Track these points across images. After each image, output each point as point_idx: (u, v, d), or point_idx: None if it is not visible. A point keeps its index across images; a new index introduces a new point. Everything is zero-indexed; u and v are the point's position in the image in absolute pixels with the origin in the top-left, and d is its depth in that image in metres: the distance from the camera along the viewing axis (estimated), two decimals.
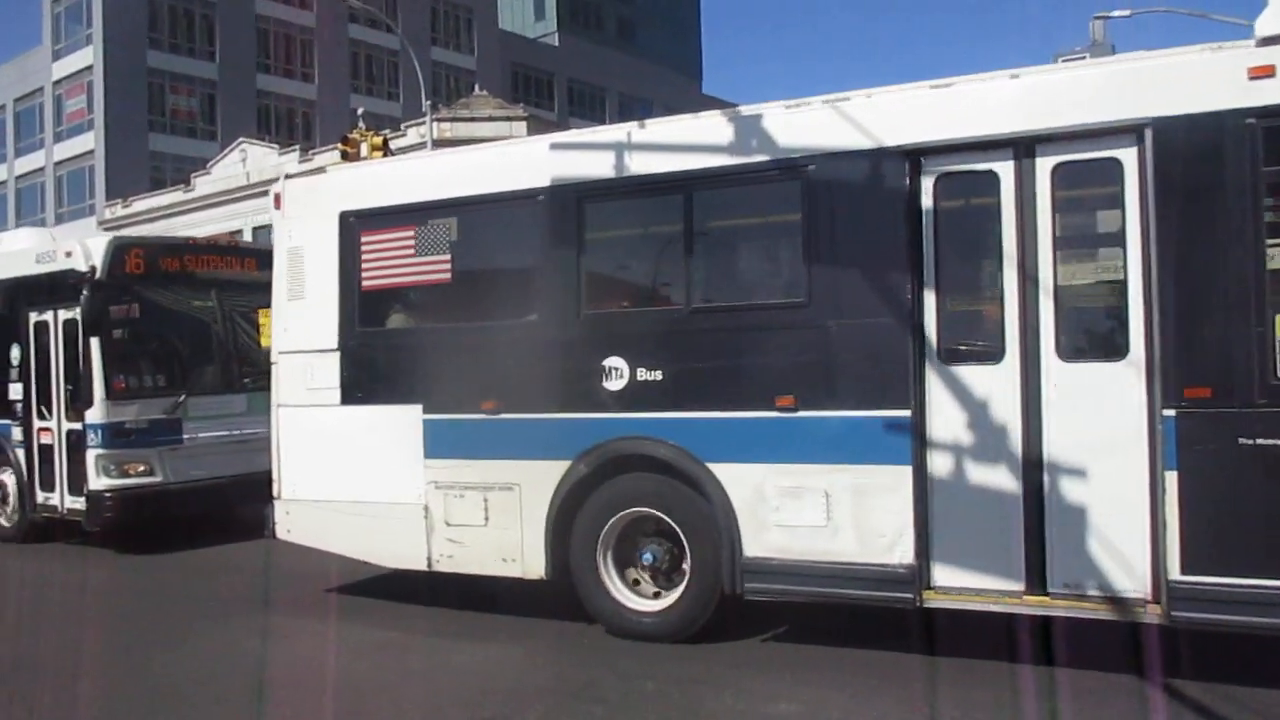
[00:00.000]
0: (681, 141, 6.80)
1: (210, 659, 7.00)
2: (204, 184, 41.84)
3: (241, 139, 43.04)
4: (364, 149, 21.60)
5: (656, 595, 6.97)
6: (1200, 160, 5.45)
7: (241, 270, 11.90)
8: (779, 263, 7.11)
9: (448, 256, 7.56)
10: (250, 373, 11.58)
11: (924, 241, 6.11)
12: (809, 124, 6.43)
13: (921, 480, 6.06)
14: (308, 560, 8.65)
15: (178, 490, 11.01)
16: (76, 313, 10.73)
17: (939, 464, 6.06)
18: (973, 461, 5.98)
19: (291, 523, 8.13)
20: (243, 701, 6.14)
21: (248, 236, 35.92)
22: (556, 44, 70.14)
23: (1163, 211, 5.50)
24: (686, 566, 6.77)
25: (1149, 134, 5.52)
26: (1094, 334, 6.16)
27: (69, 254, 10.91)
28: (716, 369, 6.63)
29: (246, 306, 11.52)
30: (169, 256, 11.46)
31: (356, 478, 7.80)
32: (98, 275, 10.59)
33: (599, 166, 7.00)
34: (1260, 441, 5.27)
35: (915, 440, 6.05)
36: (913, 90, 6.26)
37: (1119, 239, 5.77)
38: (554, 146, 7.23)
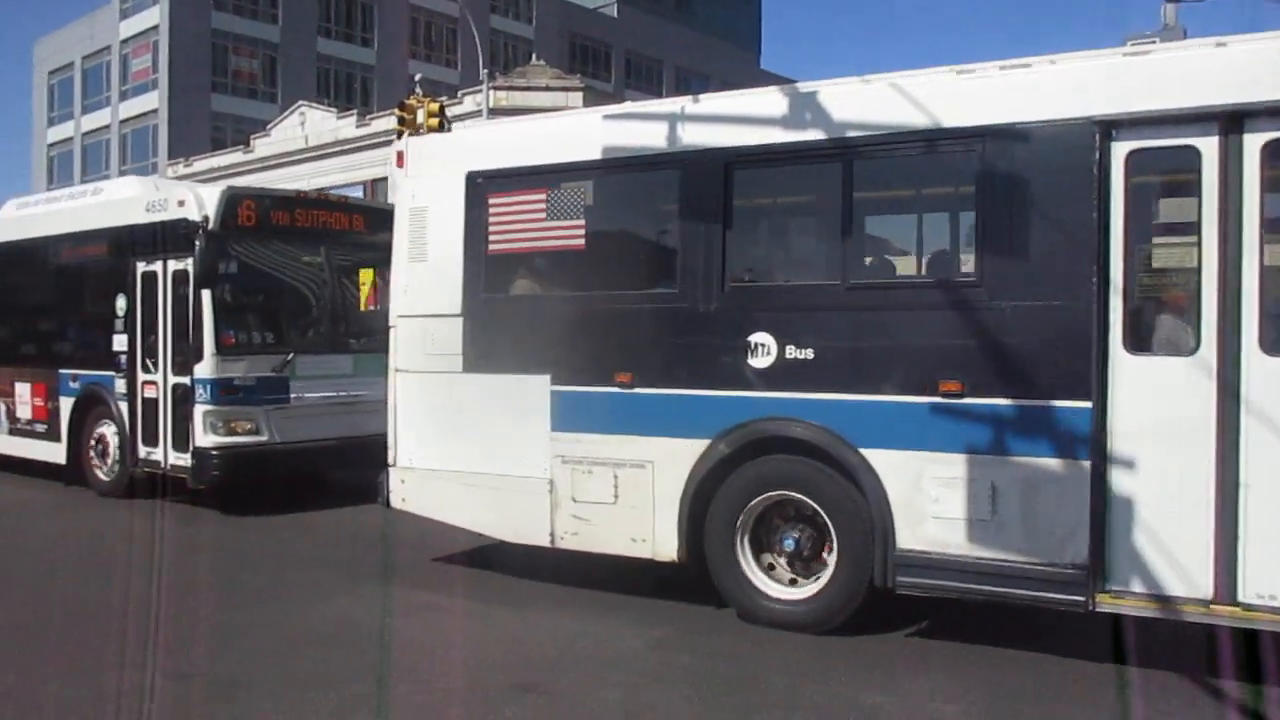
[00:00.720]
0: (839, 108, 6.43)
1: (332, 623, 6.82)
2: (263, 146, 41.91)
3: (300, 102, 43.07)
4: (420, 115, 21.46)
5: (793, 582, 6.68)
6: None
7: (350, 228, 11.69)
8: (948, 239, 6.73)
9: (582, 222, 7.26)
10: (357, 333, 11.38)
11: (1111, 220, 5.71)
12: (984, 91, 6.05)
13: (1100, 476, 5.69)
14: (415, 528, 8.49)
15: (284, 450, 10.83)
16: (187, 264, 10.55)
17: (1120, 460, 5.68)
18: (1159, 459, 5.59)
19: (406, 491, 7.92)
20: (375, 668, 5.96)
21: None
22: (615, 15, 69.49)
23: None
24: (831, 555, 6.47)
25: None
26: None
27: (182, 202, 10.72)
28: (875, 349, 6.29)
29: (354, 265, 11.35)
30: (280, 209, 11.25)
31: (477, 448, 7.56)
32: (211, 225, 10.37)
33: (747, 132, 6.65)
34: None
35: (1095, 433, 5.68)
36: (1104, 58, 5.84)
37: None
38: (698, 111, 6.89)
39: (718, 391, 6.70)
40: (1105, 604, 5.69)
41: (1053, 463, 5.78)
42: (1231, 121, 5.47)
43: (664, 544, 6.89)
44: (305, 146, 39.62)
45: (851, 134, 6.34)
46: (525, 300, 7.66)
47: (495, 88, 33.27)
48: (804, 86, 6.64)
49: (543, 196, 7.36)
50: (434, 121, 22.22)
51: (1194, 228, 5.59)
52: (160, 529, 10.53)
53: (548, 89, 35.81)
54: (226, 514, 10.85)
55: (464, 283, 7.60)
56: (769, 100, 6.67)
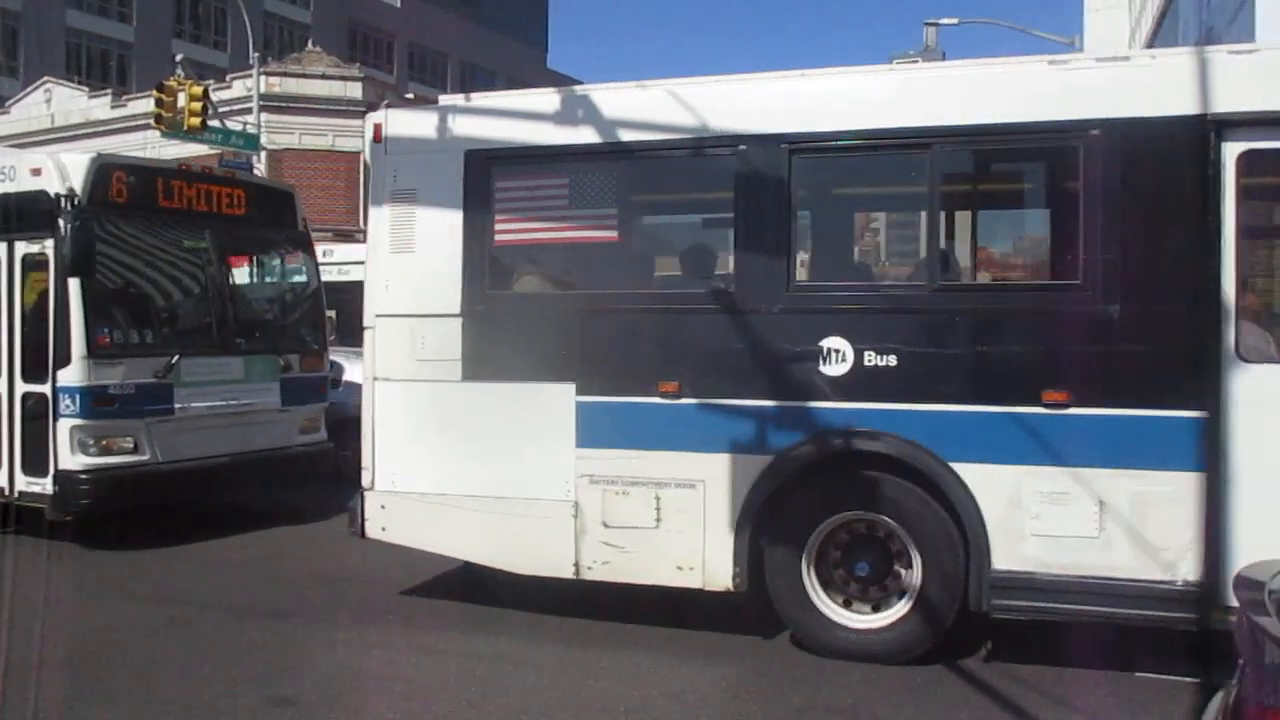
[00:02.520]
0: (923, 93, 5.94)
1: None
2: (2, 124, 37.63)
3: (46, 78, 39.40)
4: (181, 99, 19.71)
5: (861, 609, 6.14)
6: None
7: (240, 207, 10.11)
8: (1047, 239, 6.36)
9: (614, 211, 6.44)
10: (247, 331, 9.98)
11: (1223, 223, 5.49)
12: (1085, 84, 5.71)
13: (1215, 490, 5.47)
14: (326, 556, 7.54)
15: (169, 472, 9.19)
16: (44, 246, 8.78)
17: (1237, 473, 5.47)
18: (1276, 470, 5.42)
19: (388, 519, 6.81)
20: None
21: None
22: (398, 5, 66.93)
23: None
24: (914, 579, 5.97)
25: None
26: None
27: (37, 171, 8.88)
28: (968, 357, 5.84)
29: (244, 250, 9.85)
30: (159, 183, 9.54)
31: (481, 468, 6.58)
32: (79, 200, 8.67)
33: (815, 116, 6.06)
34: None
35: (1209, 445, 5.45)
36: (1217, 54, 5.62)
37: None
38: (762, 90, 6.23)
39: (784, 402, 6.06)
40: (1221, 622, 5.47)
41: (1164, 475, 5.51)
42: None
43: (717, 572, 6.18)
44: (51, 126, 36.36)
45: (935, 122, 5.86)
46: (544, 300, 6.75)
47: (267, 73, 31.74)
48: (879, 69, 6.12)
49: (564, 181, 6.48)
50: (196, 106, 20.44)
51: None
52: (8, 573, 8.67)
53: (325, 77, 34.35)
54: (90, 549, 9.04)
55: (464, 278, 6.59)
56: (837, 82, 6.10)
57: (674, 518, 6.22)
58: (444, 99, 6.87)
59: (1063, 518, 5.62)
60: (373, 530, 6.85)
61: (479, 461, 6.59)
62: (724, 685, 5.84)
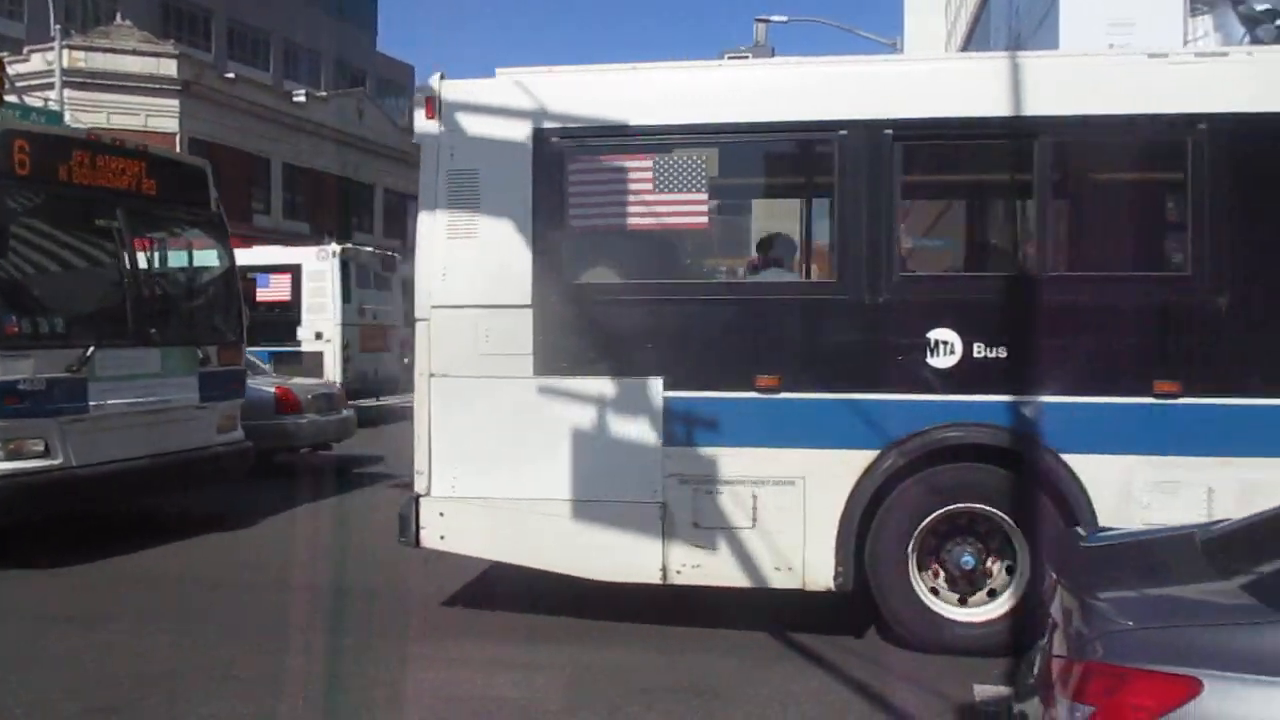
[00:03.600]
0: (1026, 80, 5.88)
1: None
2: None
3: None
4: None
5: (976, 602, 6.07)
6: None
7: (145, 183, 9.03)
8: (1155, 229, 6.41)
9: (704, 195, 6.09)
10: (161, 320, 9.06)
11: None
12: (1202, 76, 5.79)
13: None
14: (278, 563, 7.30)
15: (84, 477, 8.18)
16: None
17: None
18: None
19: (448, 527, 6.26)
20: None
21: None
22: None
23: None
24: (1021, 570, 5.94)
25: None
26: None
27: None
28: (1079, 347, 5.83)
29: (153, 231, 8.95)
30: (67, 155, 8.41)
31: (556, 469, 6.13)
32: None
33: (921, 101, 5.92)
34: None
35: None
36: None
37: None
38: (862, 73, 6.04)
39: (890, 395, 5.91)
40: None
41: (1275, 462, 5.65)
42: None
43: (817, 571, 5.98)
44: None
45: (1041, 110, 5.82)
46: (627, 289, 6.34)
47: (71, 47, 30.13)
48: (982, 57, 6.05)
49: (648, 163, 6.09)
50: None
51: None
52: None
53: (136, 53, 32.67)
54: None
55: (534, 267, 6.12)
56: (944, 67, 5.99)
57: (772, 516, 5.98)
58: (504, 71, 6.33)
59: (1172, 504, 5.68)
60: (429, 539, 6.29)
61: (553, 462, 6.14)
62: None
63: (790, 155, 6.33)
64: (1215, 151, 5.66)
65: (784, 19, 30.04)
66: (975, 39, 42.43)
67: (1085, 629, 2.78)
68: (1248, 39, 22.59)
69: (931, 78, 5.99)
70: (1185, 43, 21.34)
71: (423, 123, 6.23)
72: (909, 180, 6.08)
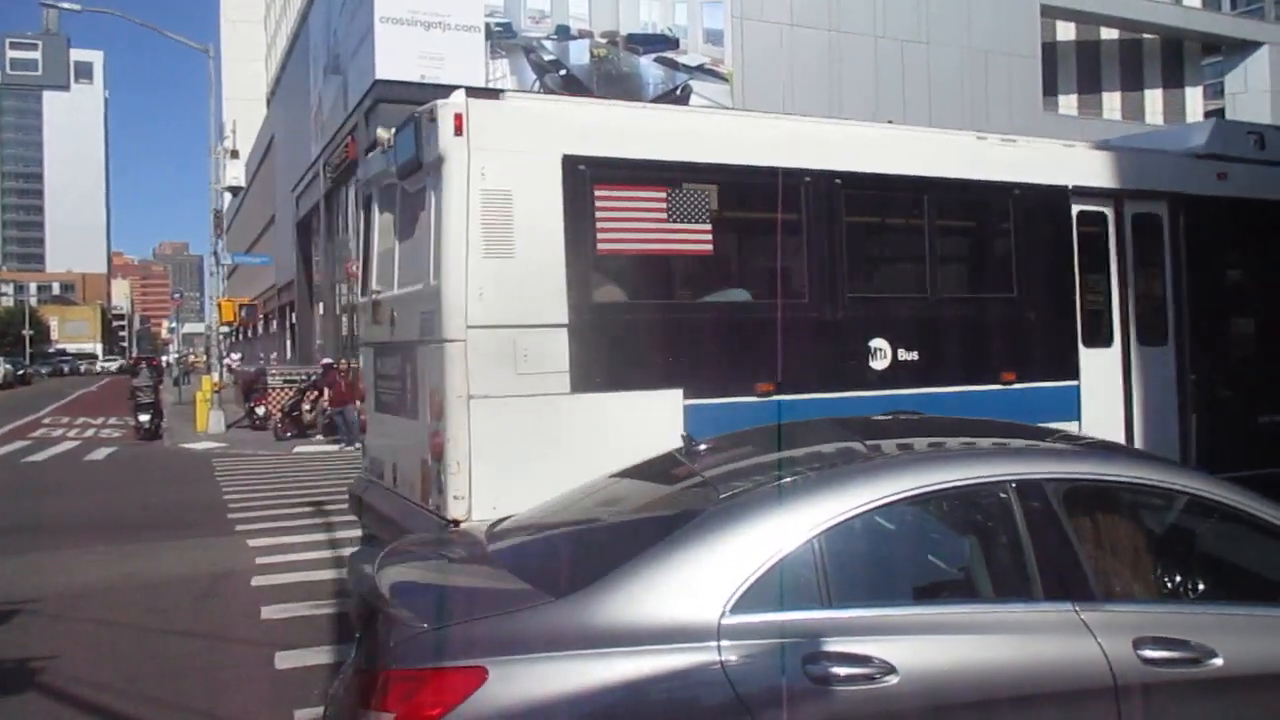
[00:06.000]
0: (922, 149, 7.70)
1: None
2: None
3: None
4: None
5: None
6: None
7: None
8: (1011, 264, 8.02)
9: (707, 225, 6.65)
10: None
11: None
12: (1017, 159, 7.85)
13: None
14: None
15: None
16: None
17: None
18: None
19: None
20: None
21: None
22: None
23: None
24: None
25: None
26: None
27: None
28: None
29: None
30: None
31: None
32: None
33: (857, 158, 7.25)
34: None
35: None
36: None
37: None
38: (823, 132, 7.51)
39: (848, 393, 7.06)
40: None
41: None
42: None
43: None
44: None
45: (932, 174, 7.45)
46: (647, 309, 6.66)
47: None
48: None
49: (662, 194, 6.49)
50: None
51: None
52: None
53: None
54: None
55: (569, 287, 6.16)
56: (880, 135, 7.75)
57: None
58: (521, 94, 6.38)
59: None
60: None
61: (591, 476, 5.96)
62: None
63: (772, 193, 6.94)
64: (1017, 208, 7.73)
65: (77, 7, 26.84)
66: (295, 55, 40.63)
67: (385, 638, 2.81)
68: (538, 84, 27.15)
69: (866, 140, 7.50)
70: (486, 80, 24.64)
71: (449, 138, 5.91)
72: (850, 219, 7.18)
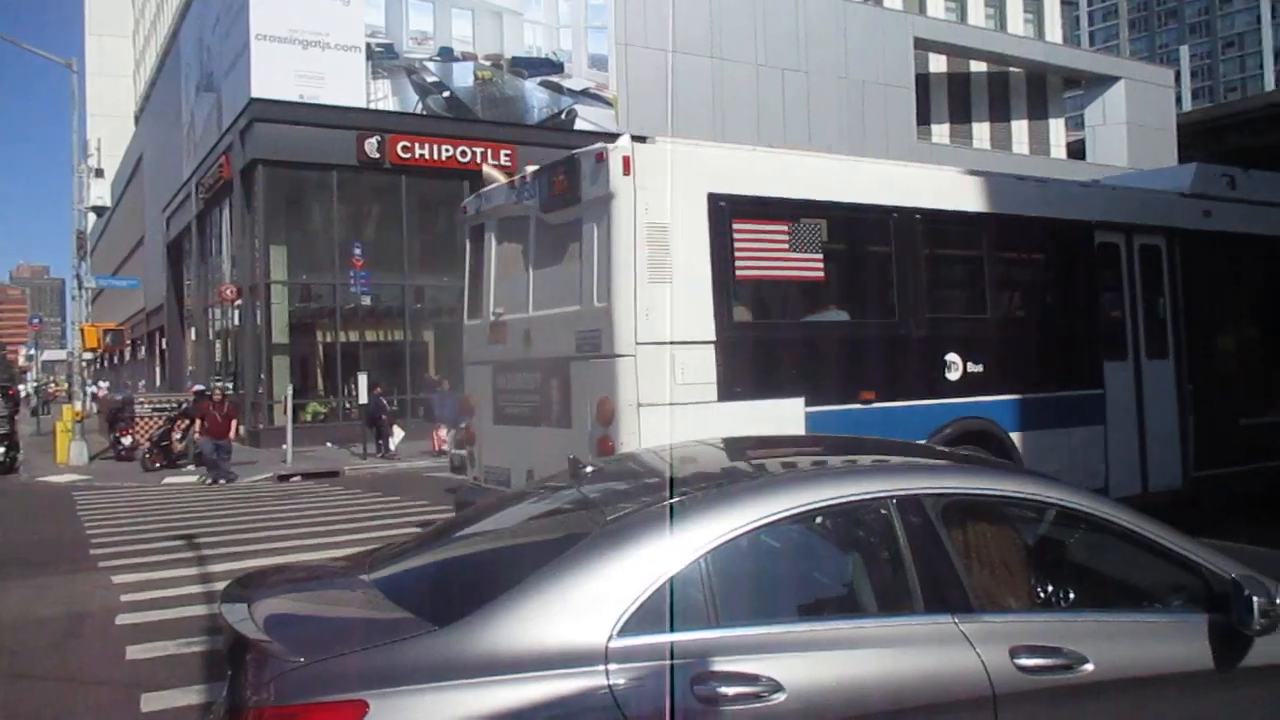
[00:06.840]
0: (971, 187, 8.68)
1: None
2: None
3: None
4: None
5: None
6: None
7: None
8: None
9: (820, 255, 7.74)
10: None
11: None
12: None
13: None
14: None
15: None
16: None
17: None
18: None
19: None
20: None
21: None
22: None
23: None
24: None
25: None
26: None
27: None
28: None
29: None
30: None
31: None
32: None
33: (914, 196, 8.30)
34: None
35: None
36: None
37: None
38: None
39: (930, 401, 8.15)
40: None
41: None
42: None
43: None
44: None
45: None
46: (777, 328, 7.81)
47: None
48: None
49: (785, 228, 7.49)
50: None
51: None
52: None
53: None
54: None
55: (715, 308, 7.13)
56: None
57: None
58: (665, 140, 7.22)
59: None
60: None
61: None
62: None
63: (868, 227, 8.14)
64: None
65: None
66: (166, 71, 38.90)
67: (256, 675, 2.72)
68: (420, 106, 26.96)
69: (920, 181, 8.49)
70: (367, 101, 24.26)
71: (619, 178, 6.89)
72: (927, 250, 8.31)
